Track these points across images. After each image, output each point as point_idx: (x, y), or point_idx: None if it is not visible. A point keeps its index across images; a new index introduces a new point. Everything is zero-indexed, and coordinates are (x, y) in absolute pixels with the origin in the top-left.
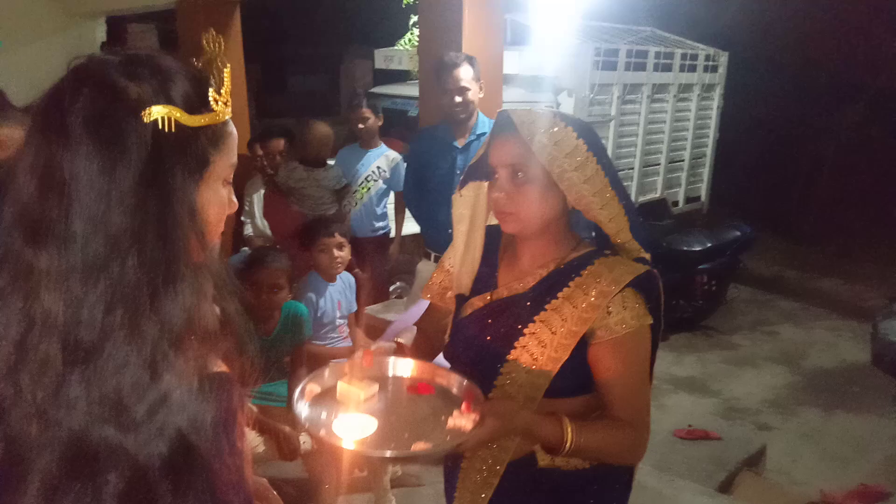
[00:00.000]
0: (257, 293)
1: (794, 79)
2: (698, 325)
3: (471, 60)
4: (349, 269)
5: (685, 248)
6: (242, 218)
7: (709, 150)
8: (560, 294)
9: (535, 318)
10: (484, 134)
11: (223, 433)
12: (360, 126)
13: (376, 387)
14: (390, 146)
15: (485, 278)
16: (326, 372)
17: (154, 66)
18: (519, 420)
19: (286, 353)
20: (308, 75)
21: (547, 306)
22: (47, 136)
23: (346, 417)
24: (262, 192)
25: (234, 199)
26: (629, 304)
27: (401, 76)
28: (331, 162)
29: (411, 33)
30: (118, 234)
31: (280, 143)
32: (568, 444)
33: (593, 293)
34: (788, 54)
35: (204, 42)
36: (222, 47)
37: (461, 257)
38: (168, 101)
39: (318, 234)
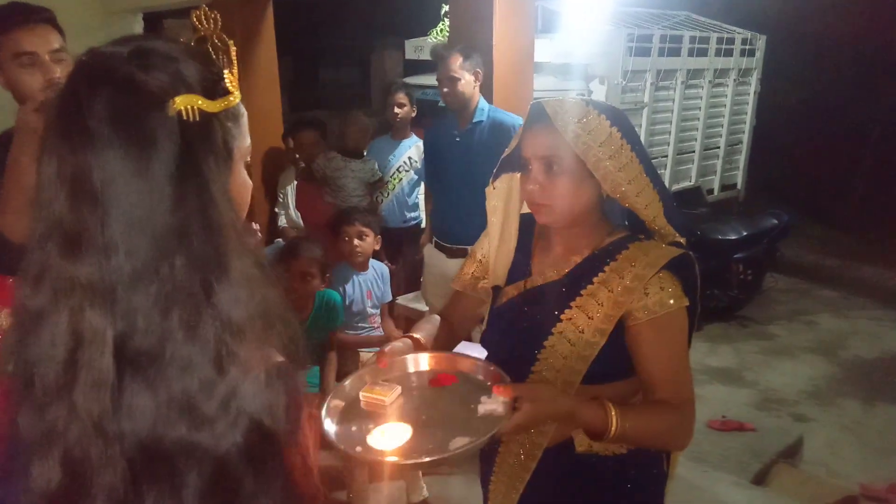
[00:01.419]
0: (291, 282)
1: (835, 62)
2: (734, 314)
3: (464, 51)
4: (380, 258)
5: (720, 237)
6: (276, 209)
7: (745, 137)
8: (595, 279)
9: (572, 303)
10: (481, 122)
11: (292, 419)
12: (396, 111)
13: (398, 389)
14: (421, 136)
15: (519, 266)
16: (347, 384)
17: (163, 53)
18: (560, 405)
19: (319, 339)
20: (339, 67)
21: (583, 291)
22: (70, 141)
23: (379, 429)
24: (295, 183)
25: (250, 180)
26: (666, 286)
27: (431, 66)
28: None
29: (443, 23)
30: (163, 235)
31: (312, 135)
32: (613, 429)
33: (629, 277)
34: (828, 37)
35: (194, 20)
36: (218, 23)
37: (496, 249)
38: (188, 89)
39: (340, 222)
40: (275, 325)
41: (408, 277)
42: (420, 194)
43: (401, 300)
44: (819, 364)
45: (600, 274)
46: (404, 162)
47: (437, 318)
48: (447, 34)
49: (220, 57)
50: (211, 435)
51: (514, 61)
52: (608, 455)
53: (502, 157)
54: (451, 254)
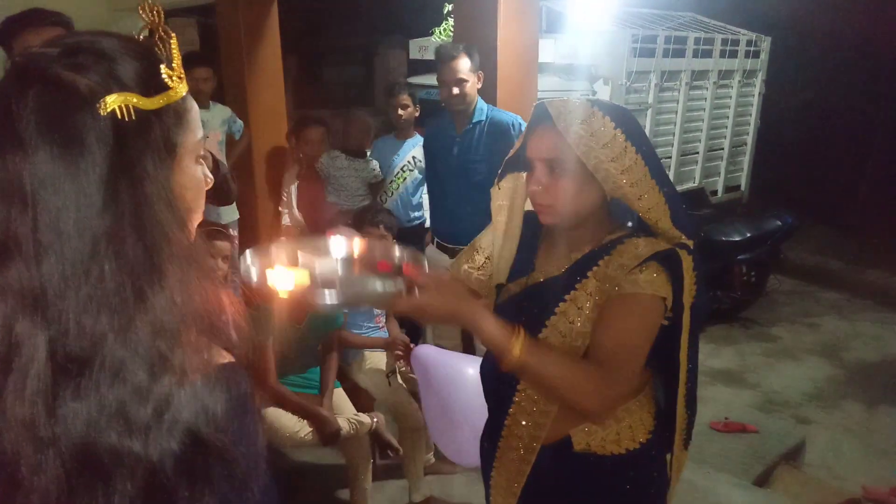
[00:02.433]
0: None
1: (840, 64)
2: (737, 316)
3: (469, 51)
4: None
5: (723, 238)
6: (280, 208)
7: (749, 139)
8: (589, 273)
9: (566, 296)
10: (481, 122)
11: (236, 423)
12: (400, 112)
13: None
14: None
15: (523, 263)
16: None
17: (97, 51)
18: (464, 307)
19: (319, 340)
20: (343, 66)
21: (577, 285)
22: (0, 145)
23: (280, 269)
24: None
25: (210, 175)
26: (646, 271)
27: (435, 66)
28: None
29: (446, 23)
30: (94, 238)
31: (317, 132)
32: (516, 353)
33: (613, 266)
34: (834, 39)
35: (140, 12)
36: (162, 16)
37: (499, 248)
38: (121, 87)
39: (364, 222)
40: (218, 328)
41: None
42: (424, 194)
43: None
44: (822, 366)
45: (594, 268)
46: (408, 161)
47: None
48: (451, 34)
49: (163, 50)
50: (143, 443)
51: (518, 62)
52: (606, 454)
53: (507, 157)
54: (453, 254)
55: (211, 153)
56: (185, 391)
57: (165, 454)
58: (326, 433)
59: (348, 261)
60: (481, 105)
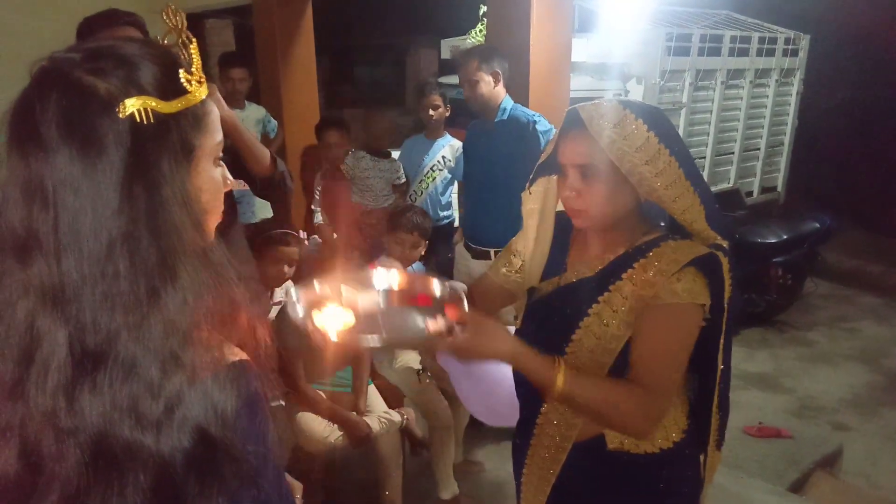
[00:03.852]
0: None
1: (881, 63)
2: (772, 319)
3: (482, 54)
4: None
5: (759, 240)
6: (312, 206)
7: (786, 139)
8: (624, 275)
9: (599, 298)
10: (503, 121)
11: (246, 422)
12: (431, 113)
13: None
14: (455, 136)
15: (554, 264)
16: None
17: (118, 56)
18: (502, 345)
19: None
20: (375, 65)
21: (611, 287)
22: (23, 149)
23: (327, 310)
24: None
25: (230, 176)
26: (684, 279)
27: None
28: (395, 153)
29: (482, 24)
30: (109, 238)
31: (336, 135)
32: (559, 385)
33: (652, 272)
34: (875, 37)
35: (164, 17)
36: (184, 21)
37: (531, 252)
38: (140, 91)
39: (399, 227)
40: (233, 328)
41: (440, 276)
42: (453, 193)
43: None
44: (860, 372)
45: (629, 270)
46: (438, 161)
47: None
48: (485, 35)
49: (183, 55)
50: (154, 438)
51: (550, 61)
52: (639, 453)
53: (538, 163)
54: (476, 255)
55: (273, 154)
56: (195, 389)
57: (176, 450)
58: (357, 437)
59: (390, 301)
60: (505, 104)
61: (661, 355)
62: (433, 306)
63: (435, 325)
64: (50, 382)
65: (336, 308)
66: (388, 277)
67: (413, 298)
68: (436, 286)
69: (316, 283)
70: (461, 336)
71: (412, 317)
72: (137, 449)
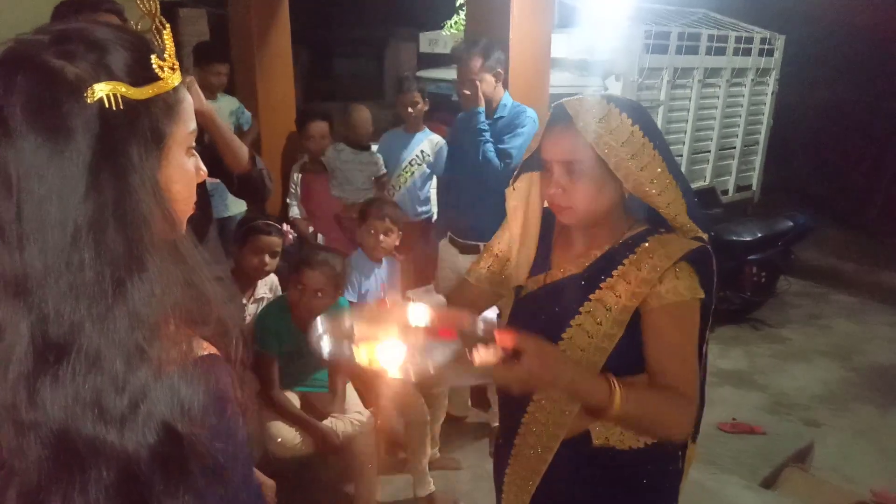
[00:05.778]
0: (300, 294)
1: (855, 64)
2: (746, 317)
3: (485, 51)
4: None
5: (734, 238)
6: (287, 200)
7: (762, 137)
8: (615, 272)
9: (591, 296)
10: (502, 118)
11: (213, 417)
12: (409, 110)
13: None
14: (434, 130)
15: (539, 261)
16: (345, 321)
17: (88, 39)
18: (563, 370)
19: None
20: (353, 59)
21: (602, 285)
22: None
23: (382, 346)
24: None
25: (203, 167)
26: (682, 276)
27: (445, 60)
28: (374, 146)
29: (457, 15)
30: (75, 226)
31: (320, 128)
32: (616, 406)
33: (646, 268)
34: (849, 38)
35: (137, 2)
36: (157, 7)
37: (517, 250)
38: (110, 76)
39: (370, 214)
40: (202, 320)
41: (418, 271)
42: (432, 188)
43: (411, 294)
44: (833, 369)
45: (619, 267)
46: (416, 155)
47: (441, 297)
48: (462, 27)
49: (157, 41)
50: (118, 433)
51: (531, 56)
52: (625, 449)
53: (523, 159)
54: (464, 249)
55: (252, 151)
56: (161, 384)
57: (140, 446)
58: (326, 447)
59: (430, 337)
60: (505, 101)
61: (680, 357)
62: (470, 339)
63: (483, 356)
64: (10, 374)
65: (391, 342)
66: (422, 313)
67: (451, 332)
68: (475, 321)
69: (345, 317)
70: (525, 365)
71: (456, 350)
72: (100, 444)
